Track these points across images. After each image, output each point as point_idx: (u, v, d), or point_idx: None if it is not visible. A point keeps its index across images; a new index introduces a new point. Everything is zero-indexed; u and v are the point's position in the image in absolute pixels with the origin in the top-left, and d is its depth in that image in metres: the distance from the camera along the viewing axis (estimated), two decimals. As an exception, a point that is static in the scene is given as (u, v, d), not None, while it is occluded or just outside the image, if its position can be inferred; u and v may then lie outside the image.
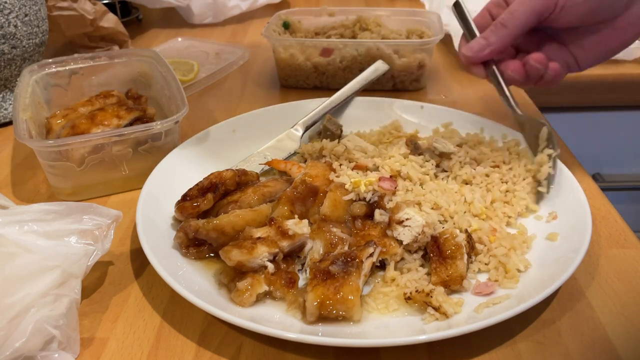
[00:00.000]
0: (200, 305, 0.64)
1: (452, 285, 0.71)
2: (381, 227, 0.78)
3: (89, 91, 1.12)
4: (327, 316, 0.66)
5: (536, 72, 0.87)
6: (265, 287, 0.70)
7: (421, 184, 0.86)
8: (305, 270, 0.76)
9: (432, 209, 0.81)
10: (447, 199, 0.82)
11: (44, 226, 0.66)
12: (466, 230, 0.77)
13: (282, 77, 1.32)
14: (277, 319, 0.68)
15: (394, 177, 0.86)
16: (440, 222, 0.81)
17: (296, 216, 0.79)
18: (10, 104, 1.18)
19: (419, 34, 1.34)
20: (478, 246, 0.77)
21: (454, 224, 0.80)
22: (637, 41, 1.41)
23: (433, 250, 0.74)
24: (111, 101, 1.04)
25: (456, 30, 1.46)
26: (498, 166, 0.90)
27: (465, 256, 0.73)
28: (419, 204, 0.81)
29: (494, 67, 0.91)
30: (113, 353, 0.66)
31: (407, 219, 0.76)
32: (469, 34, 0.91)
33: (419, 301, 0.69)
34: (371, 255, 0.72)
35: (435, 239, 0.74)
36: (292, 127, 1.05)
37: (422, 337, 0.61)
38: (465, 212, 0.82)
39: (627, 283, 0.74)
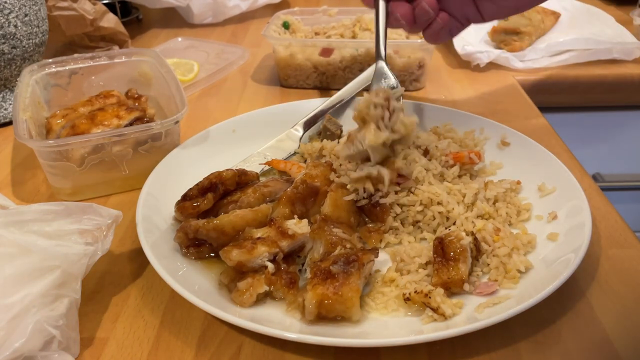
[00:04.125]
0: (200, 305, 0.64)
1: (453, 288, 0.70)
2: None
3: (89, 91, 1.12)
4: (326, 315, 0.66)
5: (424, 16, 0.87)
6: (265, 288, 0.70)
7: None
8: (305, 270, 0.76)
9: (438, 204, 0.81)
10: (451, 199, 0.82)
11: (44, 226, 0.66)
12: (472, 233, 0.77)
13: (282, 77, 1.32)
14: (277, 319, 0.68)
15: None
16: (442, 224, 0.81)
17: (296, 216, 0.79)
18: (10, 104, 1.18)
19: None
20: (482, 246, 0.77)
21: (461, 224, 0.79)
22: (637, 41, 1.42)
23: (437, 252, 0.73)
24: (111, 101, 1.04)
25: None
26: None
27: (469, 260, 0.72)
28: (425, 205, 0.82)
29: (383, 2, 0.90)
30: (113, 353, 0.66)
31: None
32: None
33: (417, 302, 0.68)
34: (372, 260, 0.72)
35: (440, 240, 0.74)
36: (292, 127, 1.05)
37: (422, 337, 0.61)
38: (467, 209, 0.82)
39: (627, 283, 0.74)
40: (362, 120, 0.82)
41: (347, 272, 0.68)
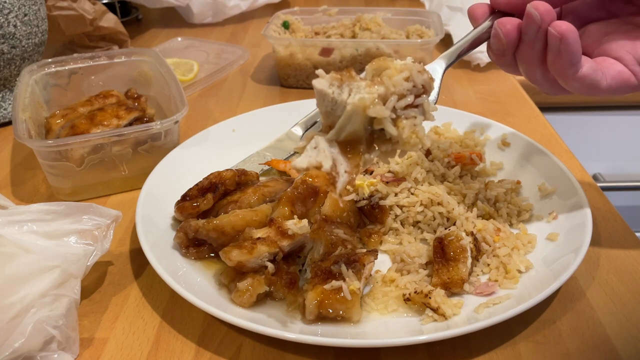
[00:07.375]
0: (200, 306, 0.64)
1: (453, 288, 0.70)
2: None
3: (88, 91, 1.12)
4: (326, 315, 0.66)
5: (531, 33, 0.62)
6: (265, 288, 0.70)
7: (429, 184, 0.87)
8: (306, 270, 0.75)
9: (439, 204, 0.81)
10: (451, 199, 0.82)
11: (44, 226, 0.66)
12: (472, 233, 0.77)
13: (282, 76, 1.32)
14: (277, 319, 0.68)
15: (394, 175, 0.86)
16: (442, 224, 0.81)
17: (296, 216, 0.79)
18: (10, 104, 1.18)
19: (419, 34, 1.34)
20: (482, 246, 0.76)
21: (462, 225, 0.79)
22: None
23: (437, 252, 0.73)
24: (111, 101, 1.04)
25: (456, 31, 1.46)
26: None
27: (469, 260, 0.72)
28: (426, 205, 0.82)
29: (491, 20, 0.71)
30: (113, 353, 0.66)
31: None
32: None
33: (417, 302, 0.68)
34: (372, 262, 0.72)
35: (440, 240, 0.74)
36: (292, 127, 1.05)
37: (423, 337, 0.61)
38: (468, 209, 0.82)
39: (627, 283, 0.74)
40: (377, 74, 0.61)
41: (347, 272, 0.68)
